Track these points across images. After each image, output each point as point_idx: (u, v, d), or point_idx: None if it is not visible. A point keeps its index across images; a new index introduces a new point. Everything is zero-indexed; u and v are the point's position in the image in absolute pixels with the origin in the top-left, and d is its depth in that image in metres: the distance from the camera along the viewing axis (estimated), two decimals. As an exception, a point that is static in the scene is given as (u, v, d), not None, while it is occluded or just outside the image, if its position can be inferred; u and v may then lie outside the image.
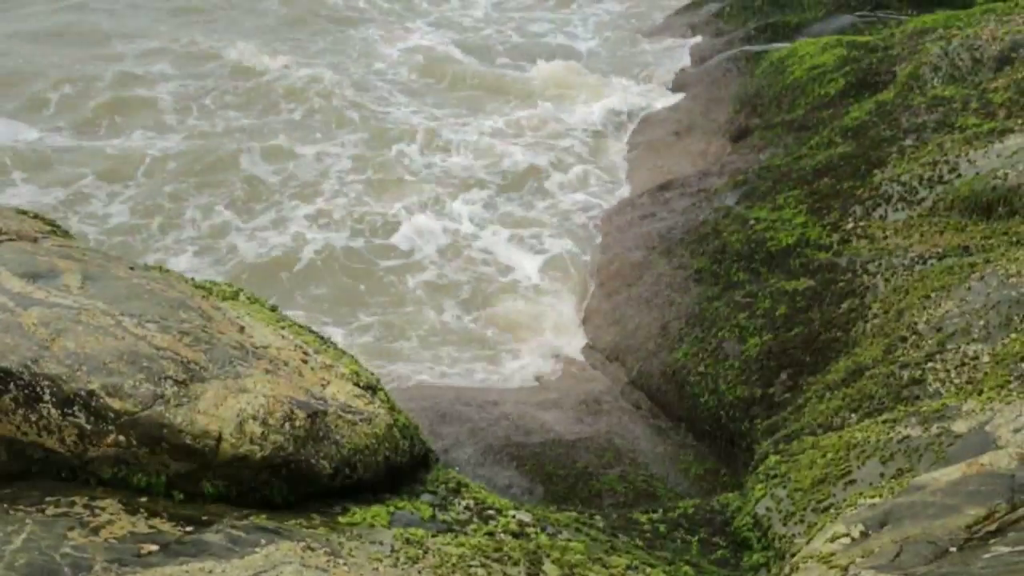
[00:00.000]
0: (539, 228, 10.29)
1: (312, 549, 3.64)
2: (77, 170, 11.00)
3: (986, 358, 5.45)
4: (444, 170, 11.35)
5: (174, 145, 11.59)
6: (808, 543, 3.98)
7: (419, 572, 3.78)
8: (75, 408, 3.82)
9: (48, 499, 3.70)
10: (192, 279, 5.30)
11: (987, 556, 3.20)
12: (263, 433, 3.98)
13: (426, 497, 4.60)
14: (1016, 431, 4.19)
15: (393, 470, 4.57)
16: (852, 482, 4.71)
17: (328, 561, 3.60)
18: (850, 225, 7.68)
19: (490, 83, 13.67)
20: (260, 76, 13.50)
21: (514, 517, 4.58)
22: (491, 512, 4.60)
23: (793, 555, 4.08)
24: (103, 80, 13.06)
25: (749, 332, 7.17)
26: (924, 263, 6.83)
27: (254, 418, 3.99)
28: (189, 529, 3.67)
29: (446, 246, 9.91)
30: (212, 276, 9.15)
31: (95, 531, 3.53)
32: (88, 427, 3.82)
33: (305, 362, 4.56)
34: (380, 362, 8.08)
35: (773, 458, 5.43)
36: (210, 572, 3.39)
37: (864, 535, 3.70)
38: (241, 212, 10.38)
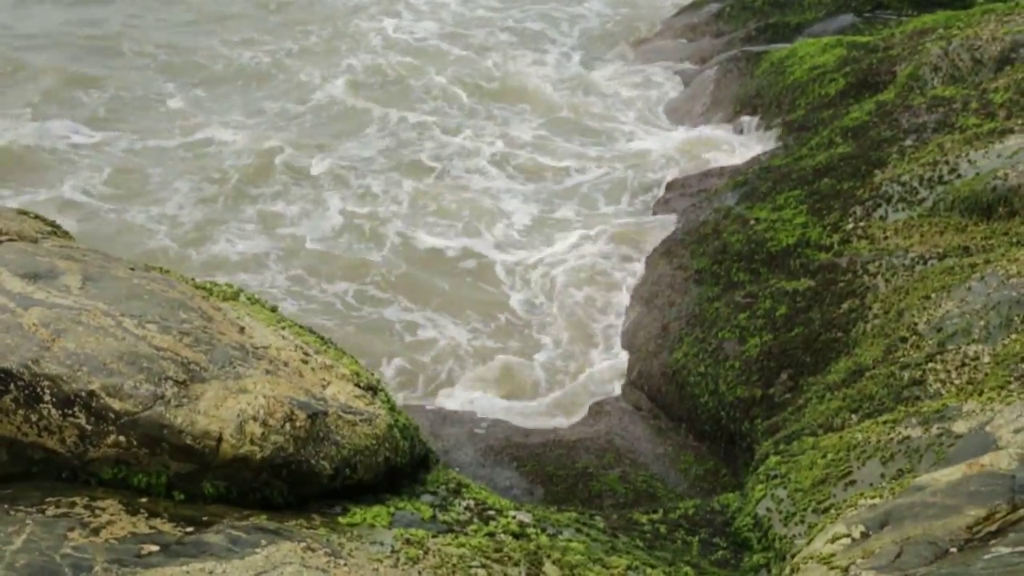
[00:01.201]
0: (573, 224, 10.26)
1: (312, 550, 3.65)
2: (137, 166, 11.18)
3: (986, 358, 5.44)
4: (494, 169, 11.38)
5: (230, 145, 11.81)
6: (808, 544, 3.98)
7: (419, 572, 3.78)
8: (75, 408, 3.82)
9: (48, 499, 3.70)
10: (192, 279, 5.29)
11: (987, 557, 3.20)
12: (263, 434, 3.98)
13: (426, 498, 4.60)
14: (1016, 431, 4.19)
15: (393, 471, 4.57)
16: (852, 483, 4.71)
17: (328, 562, 3.60)
18: (850, 225, 7.67)
19: (497, 84, 13.72)
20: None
21: (514, 517, 4.58)
22: (491, 512, 4.60)
23: (793, 556, 4.08)
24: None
25: (749, 332, 7.17)
26: (924, 263, 6.83)
27: (254, 419, 3.99)
28: (189, 530, 3.67)
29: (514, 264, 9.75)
30: (280, 272, 9.40)
31: (95, 531, 3.53)
32: (88, 427, 3.83)
33: (305, 362, 4.56)
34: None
35: (773, 459, 5.43)
36: (211, 573, 3.39)
37: (865, 536, 3.70)
38: (294, 206, 10.56)
